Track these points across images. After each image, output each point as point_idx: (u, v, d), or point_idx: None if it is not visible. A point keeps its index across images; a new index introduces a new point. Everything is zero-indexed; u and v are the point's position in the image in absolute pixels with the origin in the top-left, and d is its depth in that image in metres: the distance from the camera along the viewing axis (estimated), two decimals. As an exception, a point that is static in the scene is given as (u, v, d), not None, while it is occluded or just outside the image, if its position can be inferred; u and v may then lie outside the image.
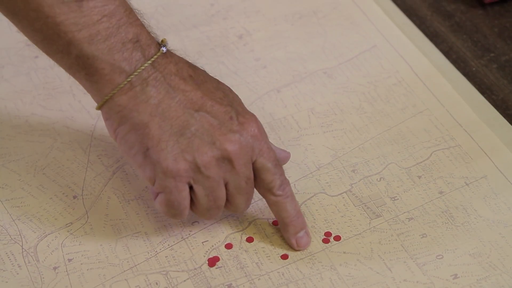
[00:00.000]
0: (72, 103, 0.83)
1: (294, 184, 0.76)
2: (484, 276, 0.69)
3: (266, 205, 0.74)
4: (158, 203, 0.69)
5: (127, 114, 0.67)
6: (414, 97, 0.83)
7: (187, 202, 0.69)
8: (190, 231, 0.73)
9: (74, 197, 0.76)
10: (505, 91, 0.83)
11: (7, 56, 0.87)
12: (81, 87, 0.83)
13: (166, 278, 0.70)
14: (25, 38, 0.89)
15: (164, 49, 0.68)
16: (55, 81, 0.85)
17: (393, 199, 0.75)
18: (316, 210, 0.74)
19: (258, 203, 0.75)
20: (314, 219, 0.73)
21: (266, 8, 0.91)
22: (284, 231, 0.71)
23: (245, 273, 0.70)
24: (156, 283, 0.70)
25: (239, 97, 0.72)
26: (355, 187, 0.76)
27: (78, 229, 0.73)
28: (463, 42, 0.88)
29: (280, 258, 0.71)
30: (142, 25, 0.68)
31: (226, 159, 0.68)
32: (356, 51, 0.87)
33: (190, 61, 0.71)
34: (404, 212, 0.74)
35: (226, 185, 0.69)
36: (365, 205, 0.74)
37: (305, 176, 0.77)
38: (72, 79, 0.85)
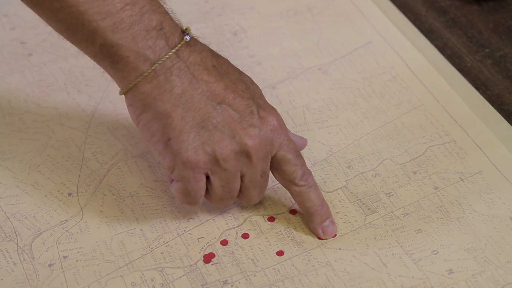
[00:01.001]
0: (66, 101, 0.83)
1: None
2: (479, 271, 0.69)
3: (261, 201, 0.74)
4: (174, 190, 0.70)
5: (150, 103, 0.68)
6: (409, 93, 0.83)
7: (203, 191, 0.70)
8: (186, 227, 0.73)
9: (69, 194, 0.76)
10: (500, 86, 0.84)
11: (0, 54, 0.87)
12: (75, 84, 0.83)
13: (162, 275, 0.70)
14: (19, 36, 0.89)
15: (187, 37, 0.69)
16: (49, 79, 0.85)
17: (388, 195, 0.75)
18: (312, 206, 0.74)
19: (253, 200, 0.75)
20: (310, 215, 0.73)
21: (260, 5, 0.91)
22: (310, 221, 0.72)
23: (241, 269, 0.70)
24: (152, 280, 0.70)
25: (260, 88, 0.72)
26: (350, 183, 0.76)
27: (73, 226, 0.73)
28: (458, 38, 0.88)
29: (275, 254, 0.71)
30: (165, 12, 0.68)
31: (245, 153, 0.69)
32: (351, 47, 0.87)
33: (213, 49, 0.71)
34: (399, 208, 0.74)
35: (241, 178, 0.70)
36: (361, 201, 0.74)
37: (300, 172, 0.77)
38: (66, 76, 0.85)
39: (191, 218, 0.74)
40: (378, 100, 0.82)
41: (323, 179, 0.76)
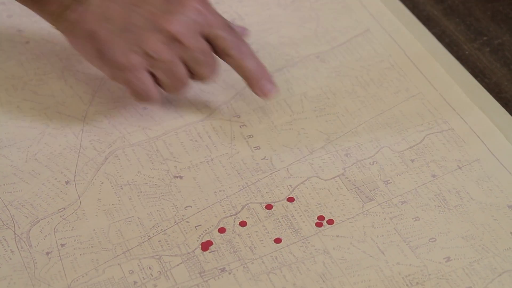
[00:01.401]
0: (63, 89, 0.83)
1: (287, 168, 0.76)
2: (477, 258, 0.69)
3: (259, 189, 0.74)
4: (129, 95, 0.76)
5: (77, 27, 0.74)
6: (407, 81, 0.82)
7: (151, 86, 0.75)
8: (183, 215, 0.73)
9: (67, 182, 0.75)
10: (498, 74, 0.83)
11: (-2, 42, 0.87)
12: (72, 72, 0.83)
13: (159, 263, 0.70)
14: (16, 23, 0.89)
15: None
16: (46, 67, 0.85)
17: (386, 182, 0.75)
18: (309, 194, 0.74)
19: (251, 187, 0.75)
20: (307, 203, 0.73)
21: (258, -7, 0.91)
22: (249, 85, 0.77)
23: (238, 257, 0.70)
24: (149, 268, 0.70)
25: None
26: (348, 171, 0.76)
27: (71, 214, 0.73)
28: (456, 26, 0.88)
29: (273, 242, 0.71)
30: None
31: (173, 39, 0.73)
32: (348, 35, 0.87)
33: None
34: (397, 196, 0.74)
35: (185, 62, 0.75)
36: (358, 189, 0.74)
37: (298, 160, 0.77)
38: (63, 64, 0.85)
39: (189, 206, 0.74)
40: (376, 88, 0.82)
41: (320, 166, 0.76)
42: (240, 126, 0.79)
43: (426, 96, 0.81)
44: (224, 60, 0.77)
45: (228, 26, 0.76)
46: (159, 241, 0.71)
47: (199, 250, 0.71)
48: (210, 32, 0.75)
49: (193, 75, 0.76)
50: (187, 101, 0.81)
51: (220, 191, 0.75)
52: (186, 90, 0.77)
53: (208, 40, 0.76)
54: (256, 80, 0.77)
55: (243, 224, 0.72)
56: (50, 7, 0.75)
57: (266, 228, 0.72)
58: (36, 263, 0.70)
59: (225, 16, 0.89)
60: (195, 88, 0.83)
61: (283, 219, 0.73)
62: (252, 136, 0.79)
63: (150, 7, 0.73)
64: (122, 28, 0.73)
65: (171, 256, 0.70)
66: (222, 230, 0.72)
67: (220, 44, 0.76)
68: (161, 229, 0.72)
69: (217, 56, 0.76)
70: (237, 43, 0.76)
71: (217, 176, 0.76)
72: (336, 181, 0.75)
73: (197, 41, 0.74)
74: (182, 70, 0.75)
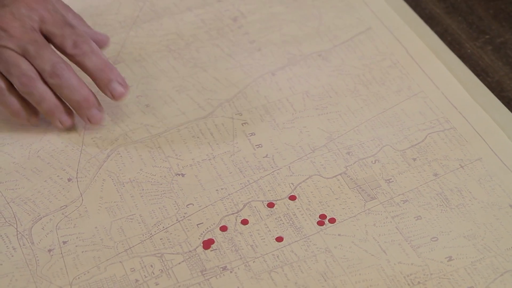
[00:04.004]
0: (66, 86, 0.83)
1: (289, 166, 0.76)
2: (479, 258, 0.69)
3: (261, 187, 0.75)
4: None
5: None
6: (409, 79, 0.82)
7: None
8: (185, 213, 0.73)
9: (69, 179, 0.76)
10: (500, 73, 0.83)
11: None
12: (76, 70, 0.82)
13: (161, 261, 0.70)
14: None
15: None
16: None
17: (388, 181, 0.75)
18: (311, 192, 0.74)
19: (252, 185, 0.75)
20: (309, 201, 0.73)
21: (260, -10, 0.91)
22: (97, 86, 0.75)
23: (240, 255, 0.70)
24: (151, 266, 0.70)
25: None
26: (350, 170, 0.76)
27: (73, 211, 0.73)
28: (458, 24, 0.88)
29: (275, 240, 0.71)
30: None
31: (1, 31, 0.73)
32: (351, 34, 0.86)
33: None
34: (399, 195, 0.74)
35: (23, 57, 0.73)
36: (360, 188, 0.74)
37: (300, 158, 0.77)
38: (67, 61, 0.85)
39: (191, 204, 0.74)
40: (378, 86, 0.82)
41: (322, 165, 0.76)
42: (242, 124, 0.79)
43: (428, 95, 0.81)
44: (68, 60, 0.75)
45: (66, 24, 0.75)
46: (161, 239, 0.71)
47: (200, 248, 0.71)
48: (44, 28, 0.74)
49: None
50: (189, 99, 0.81)
51: (222, 189, 0.75)
52: (29, 83, 0.74)
53: (46, 38, 0.74)
54: (103, 82, 0.75)
55: (244, 222, 0.72)
56: None
57: (268, 227, 0.72)
58: (38, 260, 0.70)
59: (227, 14, 0.89)
60: (196, 86, 0.83)
61: (285, 217, 0.73)
62: (254, 134, 0.79)
63: None
64: None
65: (173, 254, 0.70)
66: (223, 228, 0.72)
67: (56, 42, 0.74)
68: (163, 227, 0.72)
69: (57, 51, 0.74)
70: (76, 41, 0.74)
71: (219, 174, 0.76)
72: (338, 180, 0.75)
73: (26, 33, 0.73)
74: (11, 55, 0.73)
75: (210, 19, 0.88)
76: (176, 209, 0.73)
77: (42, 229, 0.72)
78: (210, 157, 0.77)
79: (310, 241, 0.71)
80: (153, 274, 0.69)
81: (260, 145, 0.78)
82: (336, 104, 0.81)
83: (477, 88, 0.81)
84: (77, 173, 0.76)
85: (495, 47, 0.86)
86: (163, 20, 0.88)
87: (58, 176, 0.76)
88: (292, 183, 0.75)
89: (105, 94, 0.75)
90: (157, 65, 0.85)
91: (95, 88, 0.77)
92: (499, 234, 0.71)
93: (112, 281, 0.69)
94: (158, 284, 0.69)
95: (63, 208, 0.74)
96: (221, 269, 0.69)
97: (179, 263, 0.70)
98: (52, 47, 0.75)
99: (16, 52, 0.73)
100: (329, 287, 0.68)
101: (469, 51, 0.85)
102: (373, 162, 0.76)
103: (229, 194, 0.74)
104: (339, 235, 0.71)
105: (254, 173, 0.76)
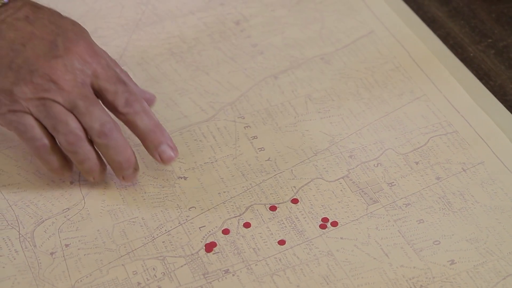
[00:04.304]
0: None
1: (291, 170, 0.76)
2: (481, 261, 0.69)
3: (263, 190, 0.75)
4: (22, 142, 0.71)
5: None
6: (412, 83, 0.82)
7: (35, 130, 0.70)
8: (187, 216, 0.73)
9: (71, 182, 0.76)
10: (502, 76, 0.83)
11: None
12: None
13: (163, 264, 0.70)
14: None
15: (5, 0, 0.72)
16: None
17: (390, 184, 0.75)
18: (313, 195, 0.74)
19: (255, 189, 0.75)
20: (311, 204, 0.73)
21: (263, -6, 0.91)
22: (146, 148, 0.72)
23: (242, 258, 0.70)
24: (153, 268, 0.70)
25: (85, 30, 0.73)
26: (352, 173, 0.76)
27: (75, 214, 0.73)
28: (460, 28, 0.88)
29: (277, 243, 0.71)
30: None
31: (52, 83, 0.70)
32: (353, 37, 0.87)
33: (42, 5, 0.73)
34: (401, 198, 0.74)
35: (71, 112, 0.70)
36: (362, 191, 0.74)
37: (302, 161, 0.77)
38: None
39: (193, 207, 0.74)
40: (380, 90, 0.82)
41: (325, 168, 0.76)
42: (244, 127, 0.80)
43: (431, 98, 0.81)
44: (117, 117, 0.72)
45: (119, 80, 0.71)
46: (163, 242, 0.71)
47: (203, 251, 0.71)
48: (96, 83, 0.71)
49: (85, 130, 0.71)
50: (192, 102, 0.82)
51: (224, 192, 0.75)
52: (76, 142, 0.70)
53: (97, 94, 0.71)
54: (153, 144, 0.71)
55: (247, 225, 0.72)
56: None
57: (270, 230, 0.72)
58: (40, 263, 0.70)
59: (229, 17, 0.89)
60: (199, 89, 0.83)
61: (287, 220, 0.73)
62: (257, 137, 0.79)
63: (35, 49, 0.71)
64: (6, 67, 0.71)
65: (175, 257, 0.70)
66: (226, 232, 0.72)
67: (108, 98, 0.71)
68: (165, 230, 0.72)
69: (106, 109, 0.71)
70: (128, 98, 0.71)
71: (221, 177, 0.76)
72: (340, 183, 0.75)
73: (77, 87, 0.70)
74: (58, 111, 0.70)
75: (213, 22, 0.88)
76: (178, 212, 0.73)
77: (45, 232, 0.72)
78: (212, 160, 0.77)
79: (313, 244, 0.71)
80: (155, 277, 0.69)
81: (263, 148, 0.78)
82: (339, 107, 0.81)
83: (479, 92, 0.81)
84: (79, 176, 0.76)
85: (498, 50, 0.86)
86: (166, 24, 0.88)
87: (60, 179, 0.76)
88: (295, 187, 0.75)
89: (153, 155, 0.72)
90: (160, 69, 0.85)
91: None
92: (501, 238, 0.71)
93: (114, 284, 0.69)
94: (160, 287, 0.69)
95: (66, 211, 0.74)
96: (223, 272, 0.69)
97: (181, 266, 0.70)
98: (101, 104, 0.71)
99: (65, 107, 0.70)
100: (332, 291, 0.68)
101: (471, 54, 0.85)
102: (376, 165, 0.76)
103: (231, 197, 0.74)
104: (341, 238, 0.71)
105: (257, 176, 0.76)
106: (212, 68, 0.84)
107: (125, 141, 0.71)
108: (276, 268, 0.70)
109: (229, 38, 0.87)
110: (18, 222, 0.73)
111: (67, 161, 0.72)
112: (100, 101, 0.72)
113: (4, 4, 0.72)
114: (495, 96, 0.81)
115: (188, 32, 0.88)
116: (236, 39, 0.87)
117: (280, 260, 0.70)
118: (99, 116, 0.70)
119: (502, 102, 0.80)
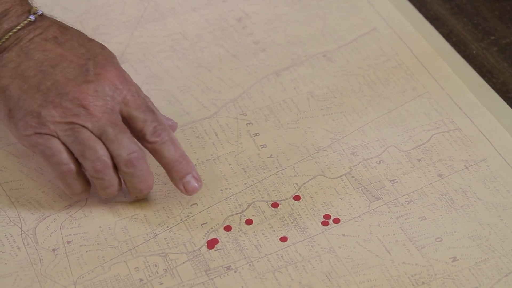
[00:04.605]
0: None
1: (293, 166, 0.76)
2: (483, 258, 0.69)
3: (265, 187, 0.74)
4: (45, 165, 0.71)
5: None
6: (414, 80, 0.82)
7: (62, 154, 0.69)
8: (189, 213, 0.73)
9: (73, 179, 0.76)
10: (505, 74, 0.83)
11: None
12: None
13: (165, 260, 0.70)
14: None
15: (32, 17, 0.72)
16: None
17: (392, 182, 0.75)
18: (315, 192, 0.74)
19: (257, 186, 0.75)
20: (313, 201, 0.73)
21: (265, -9, 0.91)
22: (170, 178, 0.71)
23: (244, 255, 0.70)
24: (155, 265, 0.70)
25: (111, 54, 0.73)
26: (354, 170, 0.75)
27: (77, 211, 0.73)
28: (463, 25, 0.88)
29: (279, 240, 0.71)
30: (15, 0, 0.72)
31: (82, 108, 0.69)
32: (355, 34, 0.86)
33: (68, 25, 0.73)
34: (404, 195, 0.74)
35: (99, 138, 0.70)
36: (365, 188, 0.74)
37: (304, 158, 0.77)
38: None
39: (195, 204, 0.74)
40: (382, 87, 0.82)
41: (327, 165, 0.76)
42: (246, 124, 0.79)
43: (433, 96, 0.81)
44: (142, 145, 0.71)
45: (148, 108, 0.71)
46: (165, 239, 0.71)
47: (205, 248, 0.71)
48: (126, 111, 0.70)
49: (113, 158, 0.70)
50: (194, 99, 0.81)
51: (226, 189, 0.75)
52: (103, 169, 0.69)
53: (125, 121, 0.71)
54: (178, 174, 0.71)
55: (249, 222, 0.72)
56: None
57: (272, 227, 0.72)
58: (42, 259, 0.70)
59: (231, 14, 0.89)
60: (201, 86, 0.83)
61: (289, 217, 0.73)
62: (259, 134, 0.79)
63: (65, 72, 0.70)
64: (34, 88, 0.70)
65: (177, 253, 0.70)
66: (228, 228, 0.72)
67: (137, 126, 0.70)
68: (167, 227, 0.72)
69: (134, 139, 0.71)
70: (157, 127, 0.70)
71: (223, 174, 0.76)
72: (343, 180, 0.75)
73: (107, 114, 0.69)
74: (88, 139, 0.69)
75: (215, 19, 0.88)
76: (180, 209, 0.73)
77: (47, 228, 0.72)
78: (214, 157, 0.77)
79: (315, 241, 0.71)
80: (157, 273, 0.69)
81: (265, 145, 0.78)
82: (341, 104, 0.81)
83: (482, 89, 0.81)
84: (81, 172, 0.76)
85: (501, 48, 0.85)
86: (168, 20, 0.88)
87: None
88: (297, 183, 0.75)
89: (177, 185, 0.71)
90: (162, 65, 0.85)
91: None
92: (503, 235, 0.71)
93: (116, 280, 0.69)
94: (162, 283, 0.69)
95: (68, 208, 0.74)
96: (225, 268, 0.69)
97: (183, 263, 0.70)
98: (129, 132, 0.70)
99: (93, 133, 0.69)
100: (333, 287, 0.68)
101: (474, 52, 0.85)
102: (378, 162, 0.76)
103: (233, 194, 0.74)
104: (343, 235, 0.71)
105: (259, 173, 0.76)
106: (214, 65, 0.84)
107: (149, 170, 0.71)
108: (278, 264, 0.70)
109: (231, 35, 0.87)
110: (20, 219, 0.73)
111: (88, 185, 0.72)
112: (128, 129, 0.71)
113: (32, 23, 0.71)
114: (498, 93, 0.81)
115: (190, 29, 0.87)
116: (238, 36, 0.87)
117: (282, 257, 0.70)
118: (128, 144, 0.70)
119: (504, 100, 0.80)
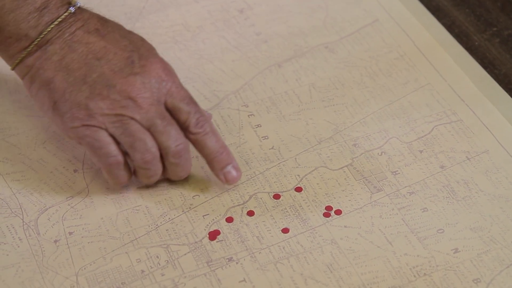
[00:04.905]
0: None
1: (295, 158, 0.76)
2: (485, 250, 0.69)
3: (267, 178, 0.74)
4: (90, 156, 0.71)
5: (35, 73, 0.71)
6: (416, 71, 0.82)
7: (106, 144, 0.70)
8: (191, 204, 0.73)
9: (75, 171, 0.76)
10: (507, 65, 0.83)
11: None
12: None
13: (167, 251, 0.70)
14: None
15: (72, 8, 0.72)
16: (55, 55, 0.85)
17: (394, 173, 0.75)
18: (317, 184, 0.74)
19: (258, 177, 0.75)
20: (315, 193, 0.73)
21: (267, -18, 0.91)
22: (211, 168, 0.73)
23: (246, 246, 0.70)
24: (157, 256, 0.70)
25: (152, 46, 0.73)
26: (356, 161, 0.75)
27: (79, 202, 0.73)
28: (465, 16, 0.87)
29: (280, 232, 0.71)
30: None
31: (130, 100, 0.70)
32: (357, 26, 0.86)
33: (106, 17, 0.74)
34: (405, 187, 0.74)
35: (148, 130, 0.70)
36: (366, 179, 0.74)
37: (306, 150, 0.76)
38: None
39: (197, 195, 0.74)
40: (384, 78, 0.82)
41: (329, 156, 0.76)
42: (248, 116, 0.79)
43: (435, 87, 0.81)
44: (186, 136, 0.72)
45: (192, 100, 0.72)
46: (166, 230, 0.71)
47: (206, 240, 0.71)
48: (171, 102, 0.71)
49: (160, 149, 0.71)
50: (195, 90, 0.81)
51: (228, 180, 0.75)
52: (152, 160, 0.70)
53: (169, 112, 0.71)
54: (219, 165, 0.72)
55: (250, 213, 0.72)
56: (10, 49, 0.71)
57: (273, 218, 0.72)
58: (44, 251, 0.70)
59: (233, 5, 0.89)
60: (202, 77, 0.83)
61: (291, 209, 0.73)
62: (260, 126, 0.79)
63: (111, 64, 0.70)
64: (80, 80, 0.70)
65: (179, 245, 0.70)
66: (229, 220, 0.72)
67: (181, 117, 0.71)
68: (169, 218, 0.72)
69: (180, 130, 0.71)
70: (200, 119, 0.71)
71: (225, 166, 0.76)
72: (344, 171, 0.75)
73: (155, 106, 0.70)
74: (138, 131, 0.70)
75: (217, 10, 0.88)
76: (182, 200, 0.73)
77: (48, 220, 0.72)
78: (216, 149, 0.77)
79: (316, 232, 0.71)
80: (159, 265, 0.69)
81: (266, 137, 0.78)
82: (343, 96, 0.81)
83: (484, 81, 0.81)
84: (83, 164, 0.76)
85: (503, 39, 0.85)
86: (169, 11, 0.88)
87: (64, 167, 0.76)
88: (298, 175, 0.75)
89: (217, 175, 0.72)
90: (163, 57, 0.84)
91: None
92: (505, 226, 0.70)
93: (118, 271, 0.69)
94: (164, 274, 0.69)
95: (69, 199, 0.74)
96: (227, 260, 0.69)
97: (185, 254, 0.70)
98: (176, 123, 0.71)
99: (142, 125, 0.70)
100: (335, 279, 0.68)
101: (476, 43, 0.85)
102: (380, 154, 0.76)
103: (235, 186, 0.74)
104: (345, 226, 0.71)
105: (260, 164, 0.76)
106: (216, 56, 0.84)
107: (191, 159, 0.72)
108: (279, 256, 0.70)
109: (233, 26, 0.87)
110: (21, 210, 0.73)
111: (131, 174, 0.72)
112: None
113: (72, 15, 0.72)
114: (500, 85, 0.81)
115: (192, 20, 0.87)
116: (240, 27, 0.87)
117: (283, 248, 0.70)
118: (176, 136, 0.71)
119: (506, 91, 0.80)
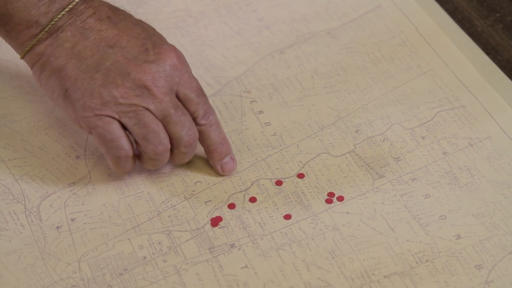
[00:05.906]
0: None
1: (297, 144, 0.76)
2: (487, 236, 0.69)
3: (269, 165, 0.74)
4: (98, 145, 0.71)
5: (45, 61, 0.70)
6: (419, 57, 0.82)
7: (118, 134, 0.70)
8: (193, 191, 0.73)
9: (77, 157, 0.76)
10: (510, 51, 0.83)
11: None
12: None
13: (169, 238, 0.70)
14: None
15: None
16: (57, 41, 0.84)
17: (396, 159, 0.74)
18: (319, 170, 0.74)
19: (261, 163, 0.75)
20: (317, 179, 0.73)
21: (269, -32, 0.90)
22: (210, 158, 0.73)
23: (248, 233, 0.70)
24: (159, 243, 0.70)
25: (162, 35, 0.73)
26: (358, 148, 0.75)
27: (81, 189, 0.73)
28: (468, 2, 0.87)
29: (283, 218, 0.71)
30: None
31: (144, 88, 0.69)
32: (360, 11, 0.86)
33: (116, 5, 0.73)
34: (408, 173, 0.74)
35: (161, 120, 0.70)
36: (369, 166, 0.74)
37: (309, 136, 0.76)
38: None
39: (199, 181, 0.74)
40: (387, 64, 0.82)
41: (331, 143, 0.76)
42: (250, 102, 0.79)
43: (438, 73, 0.81)
44: None
45: (202, 91, 0.72)
46: (168, 216, 0.71)
47: (208, 226, 0.71)
48: (183, 92, 0.70)
49: (171, 139, 0.71)
50: (198, 76, 0.81)
51: (230, 167, 0.75)
52: (163, 152, 0.70)
53: (179, 101, 0.71)
54: (219, 156, 0.73)
55: (253, 200, 0.72)
56: (20, 36, 0.70)
57: (276, 204, 0.72)
58: (46, 237, 0.70)
59: (236, -9, 0.88)
60: (205, 64, 0.82)
61: (293, 195, 0.73)
62: (263, 112, 0.78)
63: (125, 52, 0.69)
64: (92, 68, 0.69)
65: (181, 231, 0.71)
66: (231, 206, 0.72)
67: (190, 108, 0.71)
68: (171, 204, 0.72)
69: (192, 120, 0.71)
70: (207, 110, 0.71)
71: (227, 152, 0.76)
72: (347, 158, 0.75)
73: (168, 95, 0.69)
74: (151, 122, 0.69)
75: (219, -4, 0.88)
76: (184, 186, 0.73)
77: (50, 206, 0.72)
78: (218, 135, 0.77)
79: (318, 219, 0.71)
80: (161, 251, 0.69)
81: (269, 123, 0.78)
82: (345, 82, 0.80)
83: (487, 67, 0.81)
84: (85, 150, 0.76)
85: (506, 25, 0.85)
86: (172, -2, 0.88)
87: (66, 153, 0.76)
88: (301, 161, 0.75)
89: (214, 165, 0.73)
90: (165, 43, 0.84)
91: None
92: (507, 213, 0.70)
93: (120, 258, 0.69)
94: (166, 261, 0.69)
95: (71, 186, 0.74)
96: (229, 246, 0.69)
97: (187, 241, 0.70)
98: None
99: (155, 115, 0.69)
100: (337, 265, 0.68)
101: (479, 29, 0.85)
102: (382, 140, 0.76)
103: (237, 172, 0.74)
104: (347, 213, 0.71)
105: (262, 151, 0.75)
106: (218, 42, 0.84)
107: (196, 147, 0.73)
108: (281, 242, 0.70)
109: (235, 12, 0.87)
110: (24, 196, 0.73)
111: (135, 163, 0.72)
112: None
113: (83, 2, 0.71)
114: (503, 70, 0.81)
115: (194, 6, 0.87)
116: (242, 13, 0.87)
117: (286, 234, 0.70)
118: (189, 126, 0.71)
119: (509, 77, 0.80)
